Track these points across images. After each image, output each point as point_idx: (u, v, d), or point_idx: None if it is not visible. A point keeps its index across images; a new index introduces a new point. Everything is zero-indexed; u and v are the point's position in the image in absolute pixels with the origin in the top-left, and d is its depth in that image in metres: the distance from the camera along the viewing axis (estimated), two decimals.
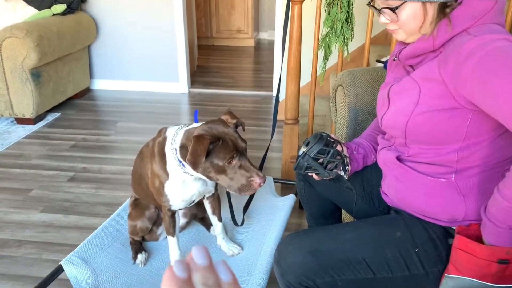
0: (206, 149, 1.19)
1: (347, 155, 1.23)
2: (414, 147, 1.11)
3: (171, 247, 1.46)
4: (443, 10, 0.99)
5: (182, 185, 1.38)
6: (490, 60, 0.89)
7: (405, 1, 1.00)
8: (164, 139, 1.37)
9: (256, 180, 1.26)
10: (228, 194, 1.61)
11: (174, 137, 1.33)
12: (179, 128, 1.35)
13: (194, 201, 1.46)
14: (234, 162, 1.25)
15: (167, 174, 1.36)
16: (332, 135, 1.22)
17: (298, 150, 1.19)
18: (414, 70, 1.10)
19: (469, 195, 1.06)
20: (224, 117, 1.33)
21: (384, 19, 1.06)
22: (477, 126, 1.00)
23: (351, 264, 1.08)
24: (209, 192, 1.49)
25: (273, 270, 1.19)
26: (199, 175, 1.31)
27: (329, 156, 1.16)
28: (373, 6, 1.08)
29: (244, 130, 1.37)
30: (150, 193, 1.47)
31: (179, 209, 1.47)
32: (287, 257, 1.11)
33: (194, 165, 1.21)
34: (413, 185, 1.12)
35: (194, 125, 1.33)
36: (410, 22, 1.03)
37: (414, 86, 1.05)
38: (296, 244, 1.12)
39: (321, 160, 1.17)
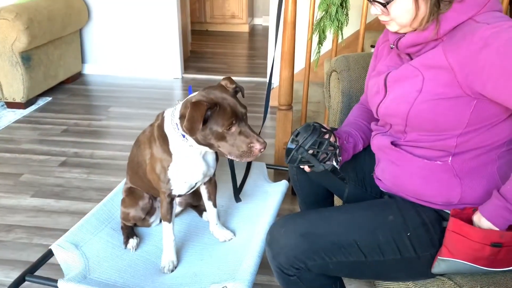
0: (203, 115, 1.17)
1: (339, 145, 1.21)
2: (412, 134, 1.11)
3: (165, 232, 1.45)
4: (438, 5, 0.98)
5: (186, 165, 1.36)
6: (511, 50, 0.88)
7: None
8: (162, 120, 1.36)
9: (257, 146, 1.23)
10: (232, 165, 1.60)
11: (173, 113, 1.31)
12: (177, 103, 1.33)
13: (196, 184, 1.45)
14: (234, 128, 1.22)
15: (170, 156, 1.34)
16: (324, 125, 1.19)
17: (290, 138, 1.16)
18: (411, 58, 1.09)
19: (465, 178, 1.06)
20: (223, 83, 1.30)
21: (376, 10, 1.05)
22: (480, 114, 1.00)
23: (342, 247, 1.08)
24: (210, 174, 1.47)
25: (265, 254, 1.19)
26: (202, 147, 1.29)
27: (323, 147, 1.13)
28: None
29: (243, 96, 1.34)
30: (147, 181, 1.45)
31: (179, 195, 1.46)
32: (279, 239, 1.11)
33: (192, 132, 1.19)
34: (408, 168, 1.12)
35: (193, 94, 1.30)
36: (401, 16, 1.02)
37: (416, 73, 1.04)
38: (288, 227, 1.12)
39: (314, 152, 1.14)
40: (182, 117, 1.25)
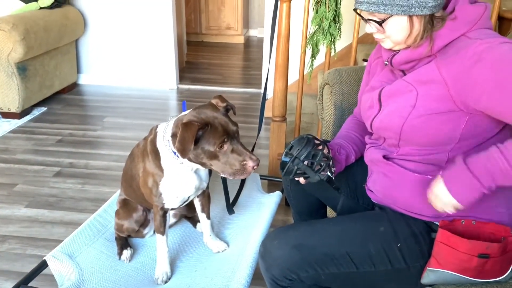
0: (194, 136, 1.18)
1: (332, 156, 1.24)
2: (405, 148, 1.13)
3: (159, 245, 1.46)
4: (431, 23, 1.01)
5: (178, 181, 1.37)
6: (505, 65, 0.91)
7: (391, 15, 1.01)
8: (155, 135, 1.36)
9: (249, 163, 1.24)
10: (224, 181, 1.61)
11: (165, 129, 1.32)
12: (169, 120, 1.34)
13: (189, 198, 1.46)
14: (226, 147, 1.23)
15: (162, 171, 1.35)
16: (317, 137, 1.22)
17: (284, 152, 1.18)
18: (404, 74, 1.12)
19: None
20: (214, 101, 1.30)
21: (371, 29, 1.08)
22: (472, 129, 1.03)
23: (334, 258, 1.09)
24: (203, 188, 1.48)
25: (259, 265, 1.20)
26: (194, 164, 1.30)
27: (317, 158, 1.16)
28: (360, 14, 1.09)
29: (235, 114, 1.35)
30: (140, 194, 1.46)
31: (172, 208, 1.47)
32: (272, 251, 1.13)
33: (183, 153, 1.19)
34: (400, 181, 1.14)
35: (184, 113, 1.31)
36: (396, 34, 1.04)
37: (410, 89, 1.07)
38: (281, 239, 1.14)
39: (309, 163, 1.16)
40: (173, 135, 1.26)
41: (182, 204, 1.48)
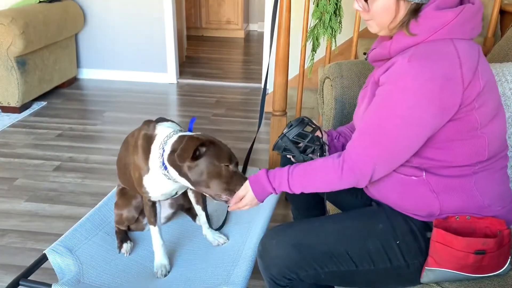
0: (195, 146, 1.21)
1: (327, 142, 1.24)
2: None
3: (153, 236, 1.46)
4: (415, 14, 0.98)
5: (161, 180, 1.37)
6: (388, 100, 0.99)
7: None
8: (153, 137, 1.36)
9: (224, 198, 1.26)
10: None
11: (166, 139, 1.32)
12: (173, 131, 1.34)
13: (177, 193, 1.46)
14: (225, 169, 1.25)
15: (148, 168, 1.36)
16: (314, 121, 1.24)
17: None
18: None
19: (442, 193, 1.07)
20: None
21: (358, 6, 1.06)
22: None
23: (334, 257, 1.09)
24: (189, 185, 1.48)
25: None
26: (177, 178, 1.31)
27: (307, 140, 1.18)
28: None
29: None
30: (133, 181, 1.47)
31: (159, 200, 1.47)
32: (270, 250, 1.12)
33: (181, 159, 1.22)
34: (388, 182, 1.13)
35: (190, 133, 1.34)
36: (381, 15, 1.02)
37: (371, 93, 1.07)
38: (279, 238, 1.13)
39: (300, 144, 1.20)
40: (173, 152, 1.27)
41: (171, 197, 1.48)
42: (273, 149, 1.23)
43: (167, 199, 1.50)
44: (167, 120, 1.45)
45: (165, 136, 1.33)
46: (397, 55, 1.02)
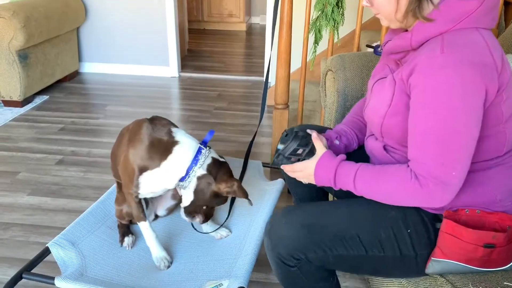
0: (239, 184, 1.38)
1: (326, 146, 1.22)
2: (391, 143, 1.12)
3: (144, 232, 1.45)
4: (418, 2, 0.96)
5: (160, 180, 1.37)
6: (436, 98, 0.93)
7: None
8: (174, 142, 1.34)
9: (198, 220, 1.43)
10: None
11: (204, 159, 1.35)
12: (207, 151, 1.37)
13: (169, 191, 1.48)
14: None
15: (158, 166, 1.33)
16: (308, 130, 1.20)
17: (279, 143, 1.20)
18: (402, 64, 1.10)
19: None
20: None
21: (365, 2, 1.06)
22: None
23: (344, 240, 1.08)
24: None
25: (261, 251, 1.19)
26: (187, 188, 1.37)
27: (304, 154, 1.16)
28: None
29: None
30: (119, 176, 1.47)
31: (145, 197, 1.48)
32: (279, 230, 1.12)
33: (224, 193, 1.37)
34: None
35: (217, 156, 1.41)
36: (384, 6, 1.01)
37: (391, 86, 1.05)
38: (289, 217, 1.13)
39: (295, 159, 1.17)
40: (209, 173, 1.35)
41: (153, 196, 1.49)
42: (271, 166, 1.24)
43: (158, 195, 1.50)
44: (173, 123, 1.44)
45: (197, 150, 1.35)
46: (420, 49, 0.99)
